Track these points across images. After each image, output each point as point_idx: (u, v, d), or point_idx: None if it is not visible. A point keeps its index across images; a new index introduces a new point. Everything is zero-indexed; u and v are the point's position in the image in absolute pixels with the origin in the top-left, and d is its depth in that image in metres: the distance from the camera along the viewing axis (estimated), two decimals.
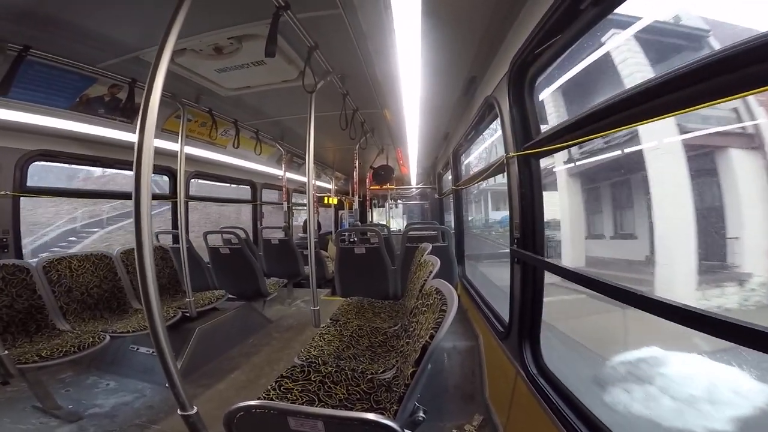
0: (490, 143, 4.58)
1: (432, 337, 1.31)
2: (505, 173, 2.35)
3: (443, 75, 2.96)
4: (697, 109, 0.92)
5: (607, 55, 2.99)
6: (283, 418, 1.30)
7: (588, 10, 1.42)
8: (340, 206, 10.95)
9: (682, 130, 2.89)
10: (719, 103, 0.85)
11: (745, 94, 0.79)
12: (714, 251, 2.77)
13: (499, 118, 2.44)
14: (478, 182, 3.87)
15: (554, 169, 4.91)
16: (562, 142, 1.70)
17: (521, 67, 2.03)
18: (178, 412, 1.69)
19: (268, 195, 7.48)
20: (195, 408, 1.72)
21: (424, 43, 2.31)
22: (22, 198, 3.29)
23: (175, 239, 4.86)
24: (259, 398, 1.71)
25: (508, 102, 2.18)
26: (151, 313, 1.56)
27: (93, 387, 3.00)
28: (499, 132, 2.47)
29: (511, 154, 2.21)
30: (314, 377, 1.93)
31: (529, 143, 2.03)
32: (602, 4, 1.37)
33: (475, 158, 5.30)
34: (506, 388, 2.27)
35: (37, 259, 3.13)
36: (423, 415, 1.49)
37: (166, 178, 5.08)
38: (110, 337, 2.82)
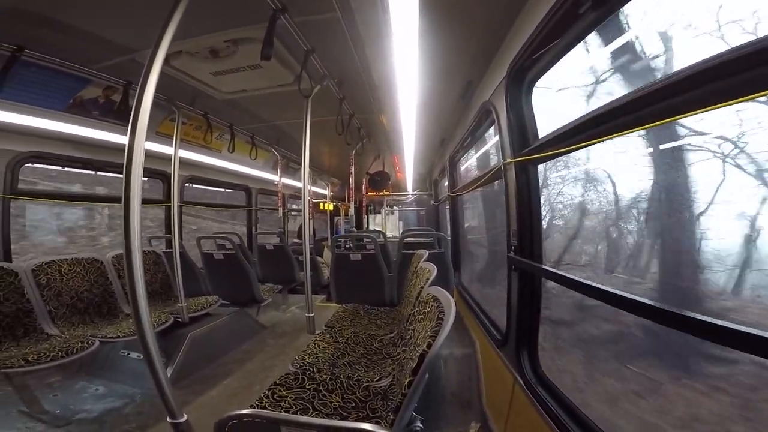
0: (485, 151, 4.58)
1: (429, 346, 1.28)
2: (502, 180, 2.34)
3: (440, 80, 2.95)
4: (703, 111, 0.90)
5: None
6: (275, 428, 1.27)
7: (587, 13, 1.41)
8: (336, 212, 10.91)
9: None
10: (725, 106, 0.84)
11: (749, 97, 0.78)
12: None
13: (495, 124, 2.43)
14: (473, 189, 3.86)
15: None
16: (560, 148, 1.69)
17: (519, 71, 2.02)
18: (168, 419, 1.65)
19: (263, 200, 7.44)
20: (185, 416, 1.68)
21: (421, 47, 2.30)
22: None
23: (169, 244, 4.81)
24: (251, 406, 1.68)
25: (506, 107, 2.17)
26: (139, 319, 1.53)
27: (82, 392, 2.94)
28: (495, 140, 2.47)
29: (508, 160, 2.19)
30: (308, 385, 1.89)
31: (527, 149, 2.02)
32: (601, 8, 1.36)
33: (471, 165, 5.29)
34: (504, 396, 2.24)
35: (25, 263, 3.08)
36: (420, 425, 1.46)
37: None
38: (99, 342, 2.77)
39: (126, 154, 1.49)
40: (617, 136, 1.30)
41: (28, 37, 2.39)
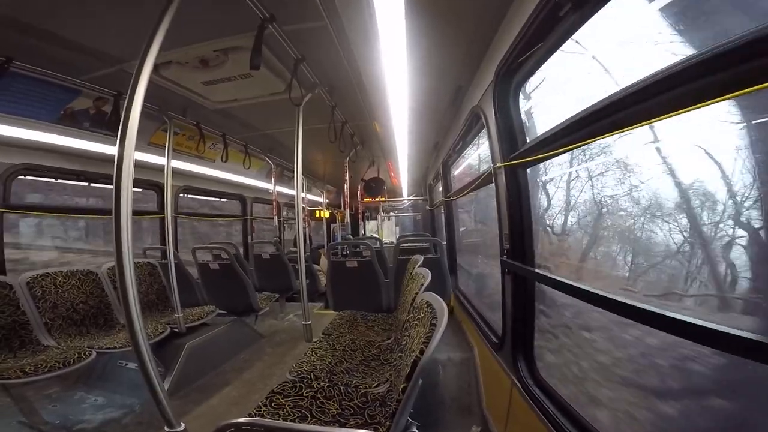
0: (477, 156, 4.60)
1: (422, 352, 1.28)
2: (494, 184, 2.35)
3: (430, 85, 2.97)
4: (695, 109, 0.90)
5: None
6: None
7: (568, 15, 1.43)
8: (332, 219, 10.91)
9: None
10: (725, 100, 0.83)
11: (744, 91, 0.78)
12: None
13: (485, 129, 2.45)
14: (466, 193, 3.87)
15: None
16: (549, 150, 1.70)
17: (506, 75, 2.04)
18: (165, 429, 1.64)
19: (258, 210, 7.43)
20: (182, 425, 1.68)
21: (410, 53, 2.31)
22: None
23: (164, 255, 4.79)
24: (249, 415, 1.67)
25: (494, 111, 2.19)
26: (133, 330, 1.53)
27: (81, 403, 2.94)
28: (486, 144, 2.48)
29: (498, 164, 2.21)
30: (306, 393, 1.88)
31: (516, 153, 2.03)
32: (581, 10, 1.37)
33: (465, 169, 5.31)
34: (503, 399, 2.24)
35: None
36: (416, 431, 1.46)
37: None
38: (96, 353, 2.76)
39: (115, 164, 1.50)
40: (605, 137, 1.32)
41: (16, 48, 2.39)
